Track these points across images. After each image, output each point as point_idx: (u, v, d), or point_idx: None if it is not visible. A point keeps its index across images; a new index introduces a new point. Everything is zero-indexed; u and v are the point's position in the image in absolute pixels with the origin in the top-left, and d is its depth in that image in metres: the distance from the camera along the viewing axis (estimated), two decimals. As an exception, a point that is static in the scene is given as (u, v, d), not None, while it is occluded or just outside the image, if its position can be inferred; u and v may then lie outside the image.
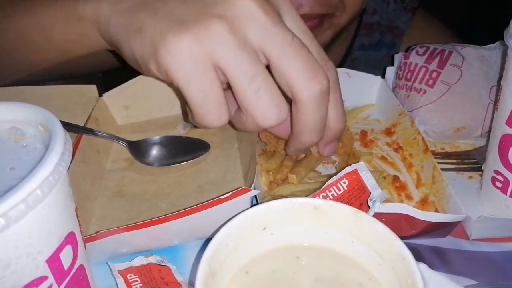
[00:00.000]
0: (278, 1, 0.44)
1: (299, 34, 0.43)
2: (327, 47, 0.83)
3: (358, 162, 0.44)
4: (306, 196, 0.45)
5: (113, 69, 0.82)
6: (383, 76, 0.69)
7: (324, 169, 0.57)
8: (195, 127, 0.54)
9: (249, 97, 0.41)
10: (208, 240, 0.32)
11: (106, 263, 0.42)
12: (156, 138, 0.58)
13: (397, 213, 0.43)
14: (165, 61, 0.41)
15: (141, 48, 0.44)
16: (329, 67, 0.46)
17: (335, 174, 0.44)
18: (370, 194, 0.43)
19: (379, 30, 0.93)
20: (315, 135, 0.47)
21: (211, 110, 0.42)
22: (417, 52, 0.64)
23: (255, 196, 0.46)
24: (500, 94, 0.48)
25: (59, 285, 0.29)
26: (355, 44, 0.92)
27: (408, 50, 0.66)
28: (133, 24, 0.44)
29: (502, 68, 0.50)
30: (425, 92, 0.61)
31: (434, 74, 0.61)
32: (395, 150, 0.61)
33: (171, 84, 0.43)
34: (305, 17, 0.68)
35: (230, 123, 0.47)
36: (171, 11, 0.42)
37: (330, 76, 0.45)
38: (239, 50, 0.40)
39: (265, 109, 0.42)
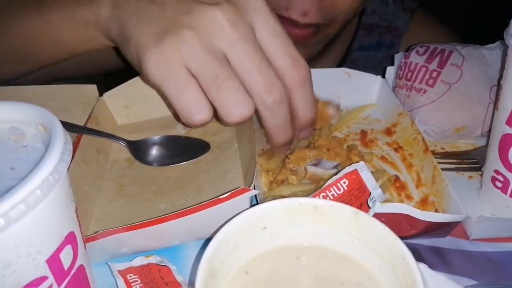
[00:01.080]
0: (251, 9, 0.47)
1: (271, 39, 0.48)
2: (324, 49, 0.83)
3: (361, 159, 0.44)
4: (306, 196, 0.45)
5: (114, 70, 0.82)
6: (383, 76, 0.69)
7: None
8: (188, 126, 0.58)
9: (212, 94, 0.46)
10: (208, 240, 0.32)
11: (106, 263, 0.42)
12: (156, 138, 0.58)
13: (397, 213, 0.43)
14: (146, 68, 0.46)
15: (131, 57, 0.49)
16: (295, 67, 0.49)
17: (335, 174, 0.44)
18: (370, 194, 0.43)
19: (378, 31, 0.93)
20: (281, 135, 0.51)
21: (189, 105, 0.46)
22: (417, 52, 0.64)
23: (255, 196, 0.46)
24: (500, 94, 0.48)
25: (59, 285, 0.29)
26: (354, 45, 0.92)
27: (408, 49, 0.66)
28: (123, 33, 0.50)
29: (502, 68, 0.50)
30: (425, 91, 0.61)
31: (434, 74, 0.61)
32: (395, 150, 0.61)
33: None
34: (306, 26, 0.72)
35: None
36: (151, 20, 0.47)
37: (294, 77, 0.49)
38: (204, 56, 0.45)
39: (227, 106, 0.46)
